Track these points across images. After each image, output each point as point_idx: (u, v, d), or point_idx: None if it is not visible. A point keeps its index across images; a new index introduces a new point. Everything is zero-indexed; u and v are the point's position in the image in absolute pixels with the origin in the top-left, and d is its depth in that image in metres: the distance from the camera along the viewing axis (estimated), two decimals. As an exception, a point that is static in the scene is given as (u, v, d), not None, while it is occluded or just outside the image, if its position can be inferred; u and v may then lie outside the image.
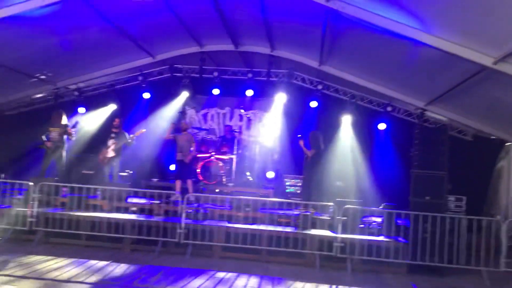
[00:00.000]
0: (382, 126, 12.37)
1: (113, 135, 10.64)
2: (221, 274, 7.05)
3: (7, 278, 6.11)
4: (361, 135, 12.54)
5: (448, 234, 7.88)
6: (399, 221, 8.47)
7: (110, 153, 10.51)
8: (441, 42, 7.42)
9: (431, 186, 8.19)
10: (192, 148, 10.56)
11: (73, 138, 10.53)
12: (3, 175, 9.54)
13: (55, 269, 6.73)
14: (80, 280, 6.26)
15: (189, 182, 10.26)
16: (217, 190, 11.13)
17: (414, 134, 8.50)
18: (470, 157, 11.49)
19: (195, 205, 8.96)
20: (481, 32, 6.86)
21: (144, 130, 10.90)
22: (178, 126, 10.86)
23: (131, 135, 10.52)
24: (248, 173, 11.95)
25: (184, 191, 9.69)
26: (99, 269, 6.90)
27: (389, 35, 7.87)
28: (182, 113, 13.24)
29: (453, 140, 10.77)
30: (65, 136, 10.32)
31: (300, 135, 10.60)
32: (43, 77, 11.98)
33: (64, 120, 10.41)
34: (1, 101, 13.04)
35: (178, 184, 10.27)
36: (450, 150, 8.31)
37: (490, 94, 9.02)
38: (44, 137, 10.12)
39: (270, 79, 12.93)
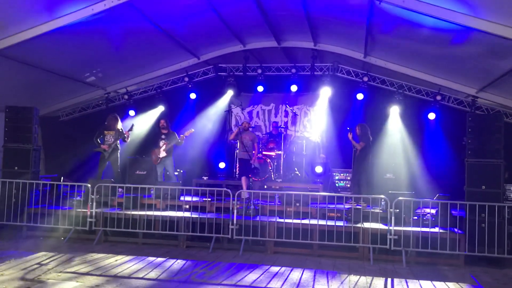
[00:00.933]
0: (431, 115, 12.08)
1: (163, 136, 10.92)
2: (275, 269, 7.13)
3: (73, 274, 6.44)
4: (410, 126, 12.32)
5: (507, 224, 7.63)
6: (454, 212, 8.27)
7: (162, 154, 10.80)
8: (491, 26, 7.19)
9: (487, 175, 7.91)
10: (255, 146, 10.88)
11: (127, 141, 10.88)
12: (62, 178, 9.97)
13: (116, 266, 7.02)
14: (140, 276, 6.51)
15: (245, 180, 10.53)
16: (265, 187, 11.23)
17: (466, 122, 8.22)
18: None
19: (246, 201, 9.08)
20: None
21: (192, 130, 11.14)
22: (242, 129, 11.09)
23: (181, 135, 10.78)
24: (296, 169, 11.97)
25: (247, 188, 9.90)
26: (157, 265, 7.14)
27: (436, 25, 7.70)
28: (228, 111, 13.45)
29: (509, 126, 10.35)
30: (118, 139, 10.67)
31: (349, 128, 10.54)
32: (92, 78, 12.42)
33: (119, 123, 10.77)
34: (56, 107, 13.68)
35: (244, 181, 10.56)
36: (505, 137, 8.02)
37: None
38: (98, 141, 10.51)
39: (314, 73, 12.91)
